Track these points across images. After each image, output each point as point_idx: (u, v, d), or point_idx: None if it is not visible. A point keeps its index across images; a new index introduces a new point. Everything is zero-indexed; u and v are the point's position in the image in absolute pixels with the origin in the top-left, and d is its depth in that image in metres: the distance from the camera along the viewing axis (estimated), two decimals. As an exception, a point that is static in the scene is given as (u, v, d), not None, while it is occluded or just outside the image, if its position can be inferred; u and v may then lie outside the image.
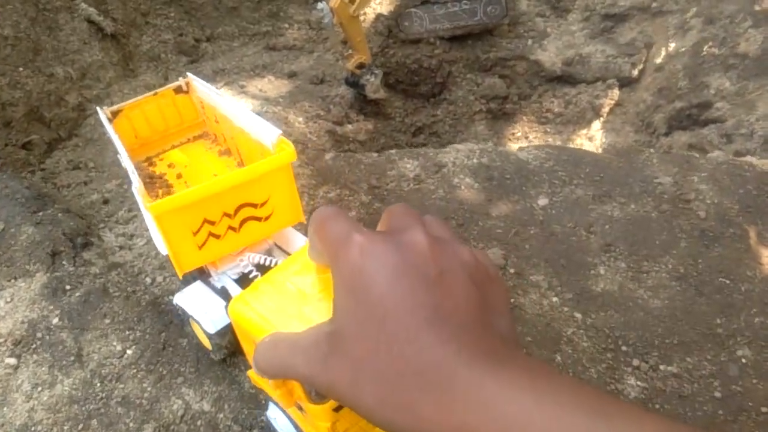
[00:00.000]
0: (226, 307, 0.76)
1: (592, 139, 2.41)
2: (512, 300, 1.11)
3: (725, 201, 1.29)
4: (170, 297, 1.22)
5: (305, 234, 0.90)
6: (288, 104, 2.51)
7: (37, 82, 2.18)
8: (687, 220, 1.25)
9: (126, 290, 1.27)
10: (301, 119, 2.46)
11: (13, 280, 1.28)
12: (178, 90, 1.20)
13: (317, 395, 0.44)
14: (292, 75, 2.76)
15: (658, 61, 2.27)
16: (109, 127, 1.07)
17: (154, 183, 1.11)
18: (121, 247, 1.43)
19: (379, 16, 2.70)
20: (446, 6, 2.53)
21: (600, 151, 2.37)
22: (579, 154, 1.43)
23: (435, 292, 0.31)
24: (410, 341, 0.30)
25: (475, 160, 1.41)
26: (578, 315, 1.08)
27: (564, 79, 2.51)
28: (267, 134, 0.83)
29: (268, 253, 0.91)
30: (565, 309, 1.10)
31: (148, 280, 1.30)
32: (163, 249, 0.81)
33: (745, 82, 1.85)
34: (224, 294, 0.92)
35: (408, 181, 1.39)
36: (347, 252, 0.33)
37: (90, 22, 2.54)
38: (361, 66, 2.45)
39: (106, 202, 1.72)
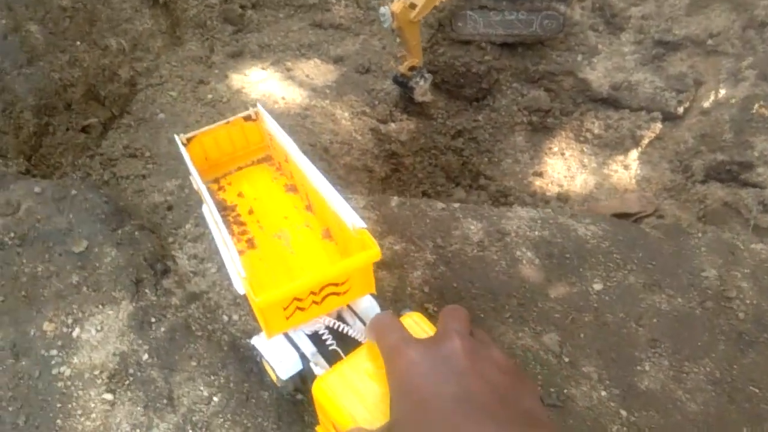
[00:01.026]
0: (299, 359, 0.98)
1: (627, 167, 2.48)
2: (564, 391, 1.24)
3: (764, 303, 1.40)
4: (248, 340, 1.33)
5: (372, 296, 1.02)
6: (335, 97, 2.53)
7: (93, 57, 2.19)
8: (727, 320, 1.37)
9: (207, 328, 1.37)
10: (347, 115, 2.49)
11: (101, 306, 1.38)
12: (248, 118, 1.27)
13: None
14: (338, 60, 2.76)
15: (706, 105, 2.30)
16: (185, 155, 1.16)
17: (227, 215, 1.20)
18: (194, 273, 1.52)
19: (432, 11, 2.67)
20: (503, 13, 2.52)
21: (633, 182, 2.45)
22: (633, 235, 1.51)
23: (466, 382, 0.39)
24: (447, 423, 0.37)
25: (537, 233, 1.50)
26: (624, 412, 1.21)
27: (608, 102, 2.55)
28: (349, 219, 0.90)
29: (339, 313, 1.02)
30: (612, 404, 1.22)
31: (225, 317, 1.40)
32: (240, 289, 0.90)
33: (791, 153, 1.92)
34: (296, 345, 1.03)
35: (472, 246, 1.47)
36: (399, 363, 0.43)
37: (142, -12, 2.51)
38: (412, 68, 2.46)
39: (170, 208, 1.79)
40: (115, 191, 1.87)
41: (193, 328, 1.37)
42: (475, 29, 2.59)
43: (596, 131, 2.56)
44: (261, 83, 2.52)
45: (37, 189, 1.58)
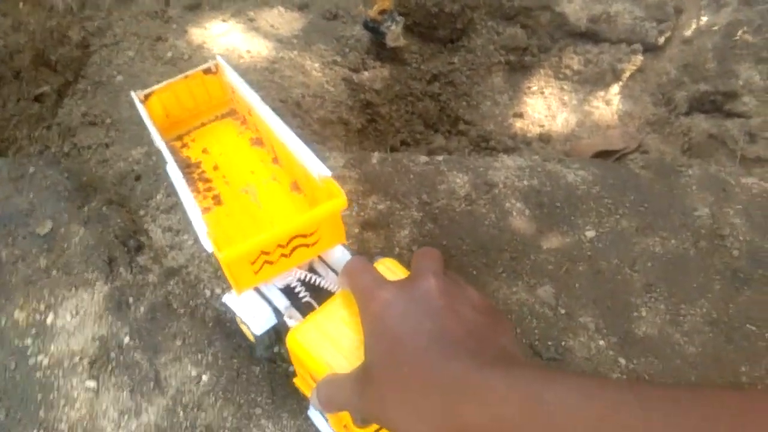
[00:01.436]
0: (272, 313, 0.97)
1: (609, 102, 2.42)
2: (562, 343, 1.21)
3: (757, 238, 1.38)
4: (232, 314, 1.28)
5: (344, 246, 1.00)
6: (303, 47, 2.40)
7: (38, 20, 2.02)
8: (721, 259, 1.34)
9: (189, 305, 1.31)
10: (317, 65, 2.38)
11: (74, 290, 1.30)
12: (207, 71, 1.21)
13: (362, 421, 0.54)
14: (303, 6, 2.61)
15: (687, 33, 2.23)
16: (143, 112, 1.12)
17: (191, 173, 1.15)
18: (171, 247, 1.44)
19: (399, -52, 2.52)
20: (474, -53, 2.38)
21: (616, 117, 2.40)
22: (624, 177, 1.47)
23: (441, 320, 0.39)
24: (422, 361, 0.37)
25: (525, 182, 1.44)
26: (622, 360, 1.19)
27: (587, 36, 2.46)
28: (315, 168, 0.88)
29: (311, 265, 1.01)
30: (611, 353, 1.20)
31: (207, 292, 1.34)
32: (209, 248, 0.85)
33: (776, 80, 1.87)
34: (269, 299, 1.02)
35: (459, 200, 1.41)
36: (372, 305, 0.43)
37: (84, -62, 2.31)
38: (382, 12, 2.33)
39: (138, 178, 1.69)
40: (77, 163, 1.76)
41: (175, 305, 1.31)
42: (445, -35, 2.45)
43: (576, 67, 2.48)
44: (223, 36, 2.37)
45: (-10, 170, 1.47)
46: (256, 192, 1.09)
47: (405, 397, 0.37)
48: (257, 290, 1.01)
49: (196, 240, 1.45)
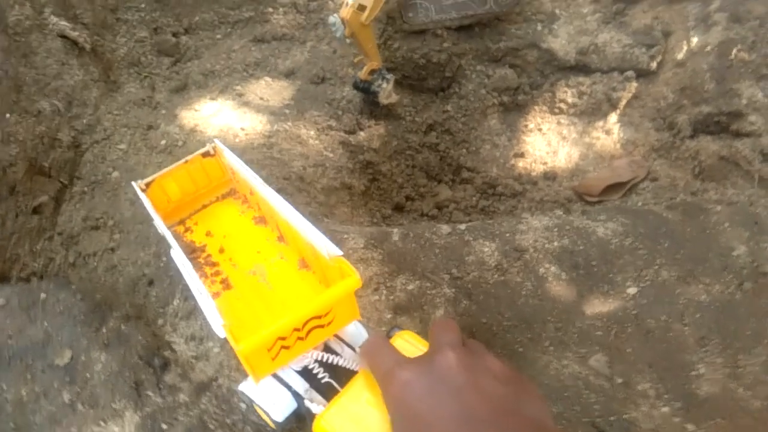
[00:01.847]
0: (292, 398, 0.92)
1: (609, 132, 2.40)
2: (625, 416, 1.15)
3: (800, 271, 1.33)
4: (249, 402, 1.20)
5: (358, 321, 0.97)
6: (296, 116, 2.37)
7: (27, 127, 1.98)
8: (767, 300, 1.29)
9: (225, 423, 1.24)
10: (312, 133, 2.34)
11: (102, 424, 1.23)
12: (206, 155, 1.22)
13: None
14: (289, 74, 2.59)
15: (680, 56, 2.23)
16: (145, 201, 1.10)
17: (197, 257, 1.13)
18: (197, 358, 1.37)
19: (378, 5, 2.51)
20: (454, -4, 2.38)
21: (619, 146, 2.37)
22: (654, 224, 1.43)
23: (464, 398, 0.38)
24: None
25: (555, 243, 1.39)
26: (690, 427, 1.13)
27: (577, 68, 2.45)
28: (324, 248, 0.85)
29: (326, 344, 0.97)
30: (677, 420, 1.14)
31: (243, 405, 1.27)
32: (221, 333, 0.82)
33: (781, 96, 1.86)
34: (287, 384, 0.96)
35: (491, 271, 1.36)
36: (392, 386, 0.42)
37: (63, 37, 2.28)
38: (372, 72, 2.32)
39: (151, 283, 1.63)
40: (86, 276, 1.70)
41: (211, 426, 1.23)
42: (427, 17, 2.44)
43: (570, 100, 2.47)
44: (214, 116, 2.34)
45: (0, 300, 1.40)
46: (264, 273, 1.06)
47: None
48: (274, 375, 0.96)
49: (223, 345, 1.39)
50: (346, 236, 1.53)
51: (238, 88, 2.50)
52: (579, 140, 2.45)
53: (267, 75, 2.59)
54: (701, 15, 2.19)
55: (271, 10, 2.82)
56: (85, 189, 2.05)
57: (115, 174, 2.10)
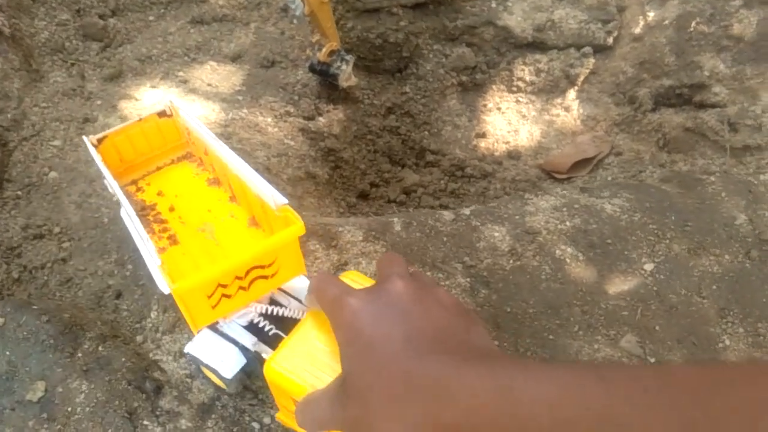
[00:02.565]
0: (239, 352, 0.93)
1: (569, 109, 2.41)
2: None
3: (797, 236, 1.37)
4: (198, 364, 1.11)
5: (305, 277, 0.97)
6: (250, 103, 2.21)
7: (-57, 126, 1.70)
8: (774, 265, 1.32)
9: (239, 446, 1.11)
10: (270, 120, 2.19)
11: (96, 464, 1.06)
12: (162, 114, 1.22)
13: None
14: (236, 57, 2.41)
15: (636, 30, 2.26)
16: (96, 156, 1.10)
17: (146, 215, 1.14)
18: (191, 377, 1.22)
19: (329, -17, 2.38)
20: (411, -27, 2.29)
21: (579, 123, 2.39)
22: (657, 197, 1.42)
23: (411, 321, 0.39)
24: (398, 364, 0.36)
25: (568, 223, 1.35)
26: (726, 399, 1.12)
27: (534, 45, 2.44)
28: (271, 198, 0.86)
29: (271, 298, 0.97)
30: (712, 393, 1.13)
31: (255, 425, 1.14)
32: (165, 289, 0.82)
33: (742, 67, 1.91)
34: (234, 340, 0.97)
35: (505, 257, 1.30)
36: (342, 314, 0.42)
37: (-26, 20, 1.99)
38: (331, 53, 2.19)
39: (119, 295, 1.45)
40: (34, 290, 1.49)
41: (225, 451, 1.10)
42: (382, -5, 2.34)
43: (528, 78, 2.45)
44: (159, 105, 2.12)
45: (-53, 331, 1.19)
46: (213, 230, 1.08)
47: (385, 401, 0.36)
48: (220, 333, 0.97)
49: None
50: (341, 229, 1.42)
51: (181, 74, 2.30)
52: (539, 118, 2.45)
53: (211, 59, 2.39)
54: (655, -11, 2.22)
55: (208, -12, 2.61)
56: (19, 193, 1.80)
57: (53, 174, 1.86)
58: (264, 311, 0.90)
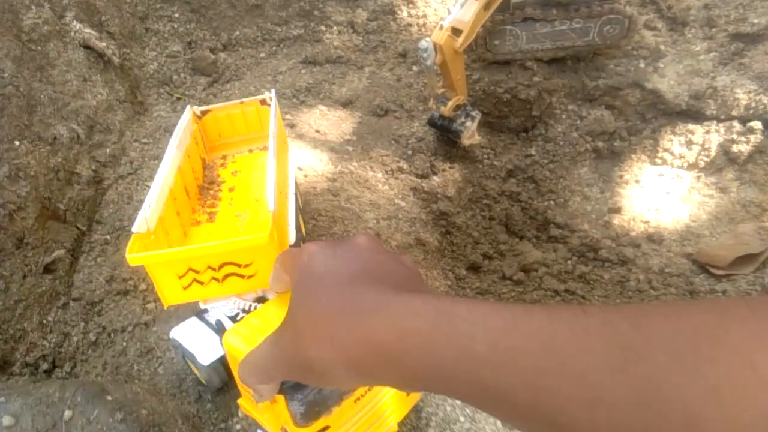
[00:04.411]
0: (220, 341, 0.88)
1: (725, 190, 2.05)
2: None
3: None
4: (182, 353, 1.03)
5: None
6: (360, 155, 1.99)
7: (40, 158, 1.56)
8: None
9: None
10: (380, 176, 1.96)
11: None
12: (263, 102, 1.28)
13: (302, 417, 0.54)
14: (347, 103, 2.22)
15: (822, 107, 1.89)
16: (183, 122, 1.17)
17: (210, 188, 1.22)
18: None
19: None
20: (552, 24, 2.03)
21: (739, 208, 2.02)
22: None
23: (366, 263, 0.38)
24: (341, 292, 0.36)
25: None
26: None
27: (687, 113, 2.11)
28: (271, 203, 0.87)
29: (259, 299, 0.95)
30: None
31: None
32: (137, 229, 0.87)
33: None
34: (219, 330, 0.96)
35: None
36: (301, 258, 0.41)
37: (86, 48, 1.88)
38: (457, 108, 1.95)
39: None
40: (111, 358, 1.29)
41: None
42: (516, 46, 2.09)
43: (677, 150, 2.12)
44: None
45: (5, 421, 0.98)
46: (246, 219, 1.10)
47: (318, 324, 0.35)
48: (206, 322, 0.98)
49: None
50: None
51: (288, 117, 2.12)
52: (688, 197, 2.10)
53: (321, 103, 2.20)
54: None
55: (323, 28, 2.45)
56: (108, 237, 1.63)
57: (145, 219, 1.69)
58: (246, 308, 0.92)
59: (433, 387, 0.31)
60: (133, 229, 0.86)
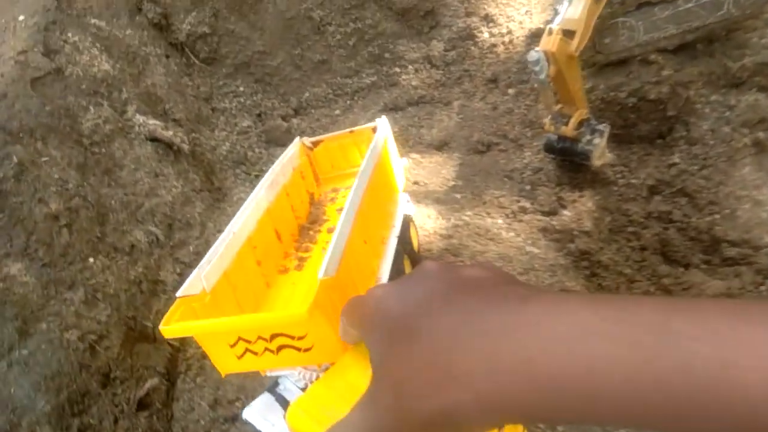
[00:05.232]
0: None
1: None
2: None
3: None
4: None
5: None
6: (472, 201, 1.68)
7: (118, 273, 1.36)
8: None
9: None
10: (501, 221, 1.63)
11: None
12: (375, 130, 1.17)
13: None
14: (441, 145, 1.93)
15: None
16: (289, 153, 1.15)
17: (308, 231, 1.12)
18: None
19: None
20: (675, 4, 1.67)
21: None
22: None
23: (442, 283, 0.32)
24: (446, 318, 0.29)
25: None
26: None
27: None
28: (323, 266, 0.76)
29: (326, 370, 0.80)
30: None
31: None
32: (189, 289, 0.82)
33: None
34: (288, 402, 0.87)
35: None
36: (367, 306, 0.35)
37: (154, 140, 1.71)
38: (580, 124, 1.61)
39: None
40: None
41: None
42: (632, 39, 1.74)
43: None
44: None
45: None
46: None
47: (431, 368, 0.28)
48: (278, 396, 0.87)
49: None
50: None
51: (380, 173, 1.85)
52: None
53: (412, 150, 1.93)
54: None
55: (398, 70, 2.20)
56: (207, 364, 1.39)
57: (243, 321, 1.44)
58: (314, 379, 0.83)
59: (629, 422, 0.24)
60: (178, 293, 0.77)
